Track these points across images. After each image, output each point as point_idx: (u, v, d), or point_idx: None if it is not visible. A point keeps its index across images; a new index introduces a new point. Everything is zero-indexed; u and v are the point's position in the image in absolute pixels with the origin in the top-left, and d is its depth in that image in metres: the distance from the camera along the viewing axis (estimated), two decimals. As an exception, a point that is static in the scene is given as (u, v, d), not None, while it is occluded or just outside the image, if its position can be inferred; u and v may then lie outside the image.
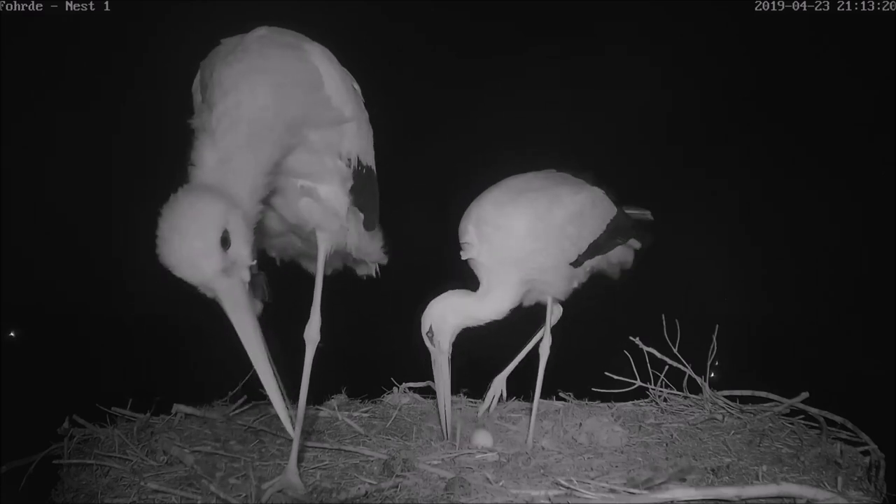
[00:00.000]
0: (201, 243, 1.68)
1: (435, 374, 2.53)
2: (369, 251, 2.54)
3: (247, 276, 1.80)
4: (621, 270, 2.87)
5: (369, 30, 3.42)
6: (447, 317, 2.43)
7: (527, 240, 2.37)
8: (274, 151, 1.91)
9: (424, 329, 2.45)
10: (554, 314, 2.69)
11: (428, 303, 2.47)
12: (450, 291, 2.47)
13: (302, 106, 1.98)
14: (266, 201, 1.95)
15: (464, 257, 2.46)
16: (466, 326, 2.47)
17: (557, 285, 2.52)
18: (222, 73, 1.90)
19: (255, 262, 1.83)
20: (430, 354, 2.51)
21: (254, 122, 1.85)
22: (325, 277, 2.28)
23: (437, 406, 2.58)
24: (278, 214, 2.20)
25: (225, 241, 1.72)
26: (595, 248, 2.54)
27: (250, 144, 1.84)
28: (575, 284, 2.60)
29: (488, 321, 2.48)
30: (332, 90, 2.06)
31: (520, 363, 2.82)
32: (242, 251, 1.78)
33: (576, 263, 2.49)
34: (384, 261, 2.68)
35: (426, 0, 3.71)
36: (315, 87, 2.03)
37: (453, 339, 2.48)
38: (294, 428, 2.03)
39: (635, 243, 2.82)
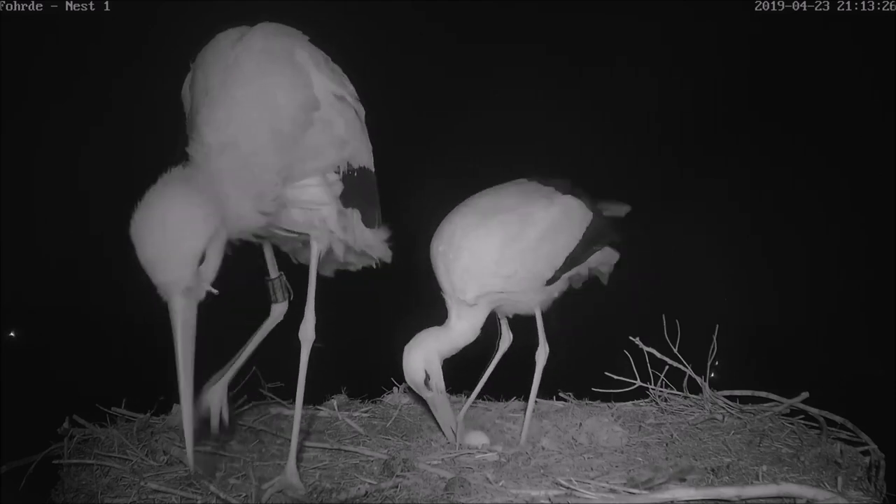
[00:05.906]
0: (181, 255, 1.64)
1: (438, 414, 2.48)
2: (371, 244, 2.50)
3: (202, 297, 1.74)
4: (608, 272, 2.83)
5: (373, 23, 3.41)
6: (434, 357, 2.40)
7: (499, 267, 2.34)
8: (276, 179, 1.90)
9: (419, 378, 2.39)
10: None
11: (411, 332, 2.45)
12: (420, 334, 2.44)
13: (300, 142, 1.97)
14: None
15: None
16: (446, 358, 2.45)
17: (532, 303, 2.49)
18: (222, 89, 1.87)
19: (216, 292, 1.75)
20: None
21: (253, 162, 1.84)
22: (325, 277, 2.26)
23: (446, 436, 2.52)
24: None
25: (203, 258, 1.69)
26: (572, 261, 2.50)
27: (247, 189, 1.83)
28: (556, 295, 2.56)
29: (466, 345, 2.46)
30: (330, 113, 2.05)
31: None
32: (210, 271, 1.73)
33: (552, 280, 2.46)
34: (388, 257, 2.61)
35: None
36: (318, 122, 2.01)
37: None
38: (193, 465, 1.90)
39: (613, 255, 2.76)
